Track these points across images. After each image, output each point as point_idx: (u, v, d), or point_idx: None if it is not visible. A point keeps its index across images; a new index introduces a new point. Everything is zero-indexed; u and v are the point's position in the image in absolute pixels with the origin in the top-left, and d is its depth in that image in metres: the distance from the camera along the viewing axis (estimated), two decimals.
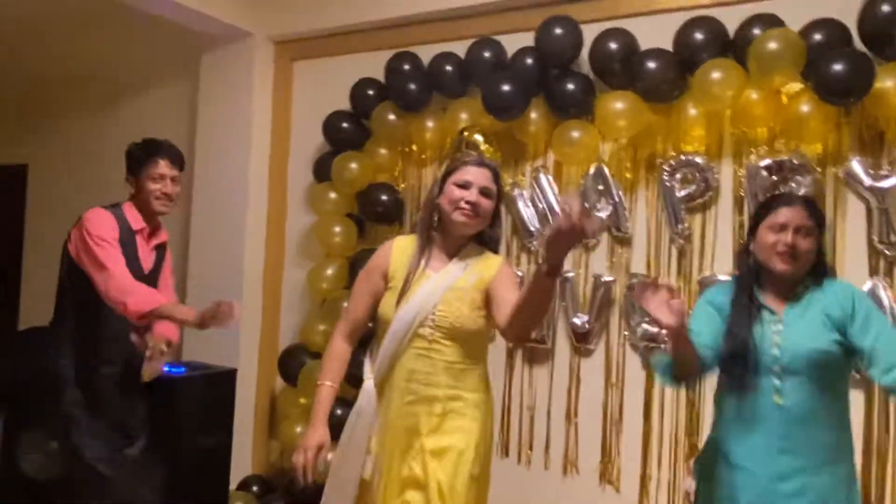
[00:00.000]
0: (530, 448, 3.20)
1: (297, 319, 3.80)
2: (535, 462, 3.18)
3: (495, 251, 2.07)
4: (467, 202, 1.93)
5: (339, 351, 2.05)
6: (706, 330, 1.88)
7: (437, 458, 1.88)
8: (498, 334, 2.08)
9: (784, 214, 1.87)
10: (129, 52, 4.36)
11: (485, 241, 2.05)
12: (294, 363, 3.58)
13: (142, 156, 2.57)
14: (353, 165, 3.47)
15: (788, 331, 1.83)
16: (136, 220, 2.56)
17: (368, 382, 1.97)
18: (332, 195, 3.57)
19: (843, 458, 1.88)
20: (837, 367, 1.84)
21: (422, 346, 1.91)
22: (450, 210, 1.95)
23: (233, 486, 3.68)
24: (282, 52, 3.91)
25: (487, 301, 1.95)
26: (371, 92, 3.49)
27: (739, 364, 1.83)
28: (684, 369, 1.85)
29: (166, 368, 3.45)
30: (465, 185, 1.95)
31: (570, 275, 3.11)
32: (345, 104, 3.59)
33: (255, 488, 3.65)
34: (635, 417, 2.99)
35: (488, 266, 1.98)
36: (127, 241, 2.49)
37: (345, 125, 3.56)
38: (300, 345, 3.64)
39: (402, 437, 1.92)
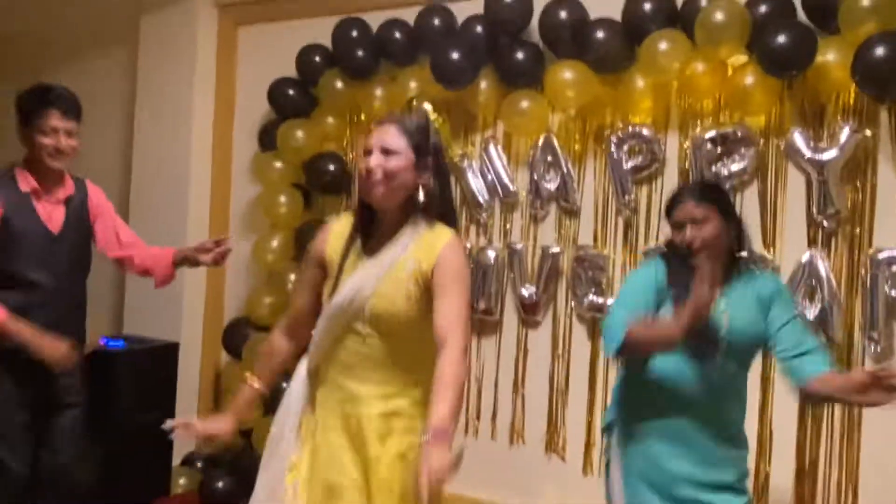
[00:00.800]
0: (478, 418, 3.21)
1: (243, 292, 3.71)
2: (482, 432, 3.19)
3: (446, 214, 1.72)
4: (366, 170, 1.64)
5: (273, 347, 1.85)
6: (643, 302, 1.91)
7: (386, 465, 1.65)
8: None
9: (677, 214, 1.94)
10: (64, 14, 4.16)
11: (427, 207, 1.68)
12: (239, 336, 3.51)
13: (31, 106, 2.29)
14: (300, 134, 3.38)
15: (734, 314, 1.89)
16: (26, 180, 2.32)
17: (302, 366, 1.78)
18: (278, 165, 3.48)
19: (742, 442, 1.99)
20: (758, 352, 2.01)
21: (356, 341, 1.67)
22: (361, 186, 1.68)
23: (176, 462, 3.61)
24: (226, 17, 3.77)
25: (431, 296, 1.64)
26: (318, 58, 3.41)
27: (702, 338, 1.83)
28: (648, 350, 1.86)
29: (104, 342, 3.36)
30: (367, 153, 1.66)
31: (519, 247, 3.10)
32: (291, 71, 3.49)
33: (199, 464, 3.59)
34: (581, 387, 3.01)
35: (429, 251, 1.64)
36: (21, 205, 2.29)
37: (291, 92, 3.46)
38: (245, 318, 3.57)
39: (336, 439, 1.68)
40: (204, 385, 3.76)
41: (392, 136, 1.65)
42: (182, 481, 3.53)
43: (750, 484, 2.10)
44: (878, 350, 2.46)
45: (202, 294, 3.76)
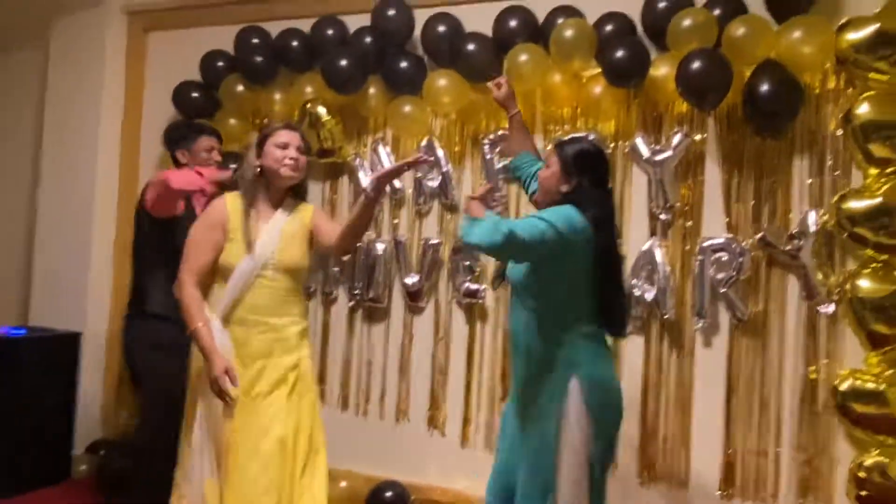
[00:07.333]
0: (367, 401, 3.45)
1: None
2: (371, 413, 3.44)
3: (305, 199, 2.47)
4: (292, 159, 2.33)
5: (198, 296, 2.25)
6: None
7: (294, 371, 2.30)
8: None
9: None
10: None
11: (299, 192, 2.44)
12: None
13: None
14: None
15: None
16: None
17: (216, 321, 2.24)
18: None
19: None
20: (533, 283, 2.14)
21: (265, 283, 2.27)
22: (276, 168, 2.32)
23: (80, 449, 3.72)
24: (135, 23, 3.96)
25: (311, 238, 2.39)
26: (220, 63, 3.62)
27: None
28: None
29: (5, 331, 3.47)
30: (284, 146, 2.34)
31: (404, 239, 3.37)
32: (195, 75, 3.69)
33: (102, 452, 3.69)
34: (459, 368, 3.29)
35: (306, 212, 2.42)
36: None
37: (195, 95, 3.66)
38: None
39: (259, 361, 2.25)
40: (110, 373, 3.87)
41: (301, 141, 2.39)
42: (83, 467, 3.64)
43: None
44: (705, 325, 2.82)
45: (108, 285, 3.88)
